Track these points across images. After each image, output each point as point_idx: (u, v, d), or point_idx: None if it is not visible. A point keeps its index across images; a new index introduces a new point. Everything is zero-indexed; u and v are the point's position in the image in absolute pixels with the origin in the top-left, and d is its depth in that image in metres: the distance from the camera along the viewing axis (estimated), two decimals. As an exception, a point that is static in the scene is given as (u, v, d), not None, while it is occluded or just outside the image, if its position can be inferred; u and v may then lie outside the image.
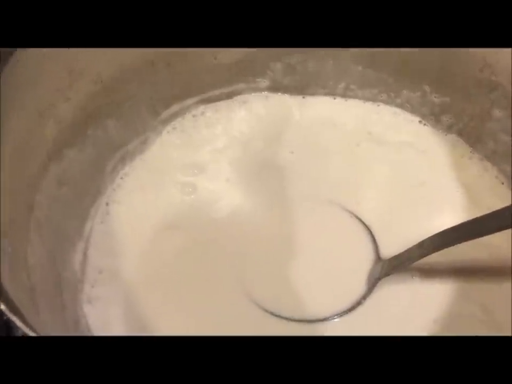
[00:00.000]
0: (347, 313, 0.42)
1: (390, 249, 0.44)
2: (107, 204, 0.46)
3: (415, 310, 0.42)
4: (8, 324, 0.27)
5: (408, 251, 0.41)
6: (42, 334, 0.28)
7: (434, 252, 0.38)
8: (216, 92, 0.53)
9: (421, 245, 0.39)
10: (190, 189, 0.48)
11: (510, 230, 0.34)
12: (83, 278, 0.43)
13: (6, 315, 0.27)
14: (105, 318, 0.41)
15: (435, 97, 0.51)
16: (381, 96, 0.54)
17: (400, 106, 0.53)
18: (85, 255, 0.44)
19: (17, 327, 0.27)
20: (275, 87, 0.54)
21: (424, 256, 0.39)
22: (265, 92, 0.54)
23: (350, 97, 0.55)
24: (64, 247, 0.42)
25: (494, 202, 0.46)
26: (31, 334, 0.26)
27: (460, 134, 0.51)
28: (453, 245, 0.37)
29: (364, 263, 0.44)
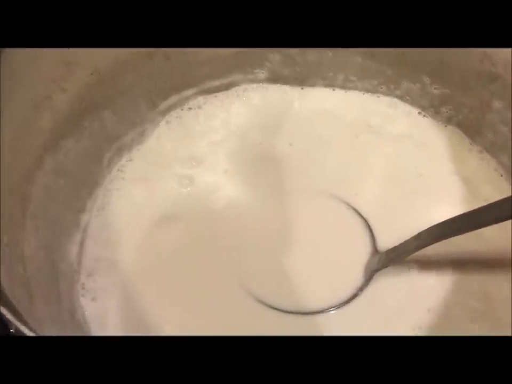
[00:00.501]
0: (344, 305, 0.42)
1: (387, 241, 0.43)
2: (104, 196, 0.46)
3: (412, 302, 0.42)
4: (2, 319, 0.27)
5: (405, 243, 0.40)
6: (37, 327, 0.28)
7: (431, 243, 0.38)
8: (214, 83, 0.52)
9: (418, 236, 0.39)
10: (188, 181, 0.48)
11: (507, 221, 0.34)
12: (80, 268, 0.43)
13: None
14: (101, 309, 0.41)
15: (435, 88, 0.51)
16: (381, 88, 0.53)
17: (400, 97, 0.53)
18: (81, 246, 0.44)
19: (10, 322, 0.27)
20: (274, 78, 0.54)
21: (421, 248, 0.39)
22: (264, 83, 0.54)
23: (350, 88, 0.54)
24: (61, 239, 0.42)
25: (492, 195, 0.46)
26: (24, 329, 0.26)
27: (460, 125, 0.51)
28: (451, 237, 0.37)
29: (361, 255, 0.44)
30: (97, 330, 0.40)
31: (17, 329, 0.26)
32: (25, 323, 0.27)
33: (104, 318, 0.41)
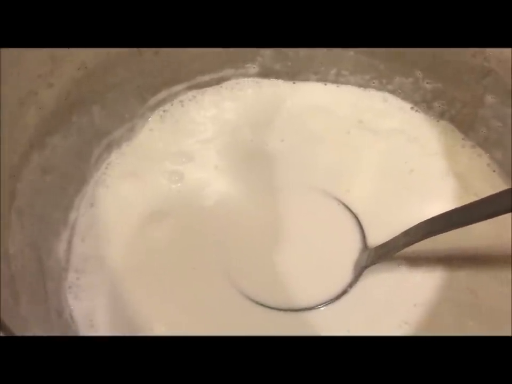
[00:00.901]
0: (333, 301, 0.42)
1: (378, 238, 0.43)
2: (92, 193, 0.46)
3: (400, 298, 0.41)
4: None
5: (394, 240, 0.40)
6: (22, 326, 0.28)
7: (420, 240, 0.38)
8: (205, 78, 0.52)
9: (407, 233, 0.39)
10: (178, 177, 0.48)
11: (497, 217, 0.34)
12: (67, 266, 0.42)
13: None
14: (90, 308, 0.41)
15: (427, 83, 0.50)
16: (373, 82, 0.53)
17: (392, 92, 0.53)
18: (69, 243, 0.43)
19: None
20: (265, 73, 0.53)
21: (410, 245, 0.39)
22: (255, 78, 0.53)
23: (342, 83, 0.54)
24: (48, 236, 0.41)
25: (485, 190, 0.45)
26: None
27: (452, 120, 0.51)
28: (440, 233, 0.37)
29: (351, 251, 0.44)
30: (85, 329, 0.40)
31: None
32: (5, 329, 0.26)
33: (92, 317, 0.40)
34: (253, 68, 0.53)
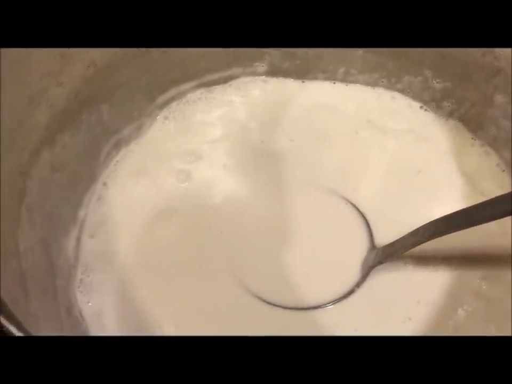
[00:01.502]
0: (340, 300, 0.41)
1: (385, 237, 0.43)
2: (101, 190, 0.46)
3: (406, 295, 0.42)
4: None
5: (402, 239, 0.40)
6: (33, 324, 0.28)
7: (428, 240, 0.38)
8: (213, 76, 0.52)
9: (415, 233, 0.39)
10: (186, 176, 0.48)
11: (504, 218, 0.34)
12: (77, 264, 0.43)
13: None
14: (99, 305, 0.41)
15: (436, 82, 0.50)
16: (382, 81, 0.53)
17: (401, 91, 0.53)
18: (78, 241, 0.43)
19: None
20: (273, 72, 0.53)
21: (418, 245, 0.39)
22: (264, 77, 0.53)
23: (350, 82, 0.54)
24: (58, 233, 0.42)
25: (494, 190, 0.45)
26: (15, 331, 0.26)
27: (461, 120, 0.51)
28: (448, 234, 0.37)
29: (358, 251, 0.44)
30: (94, 326, 0.40)
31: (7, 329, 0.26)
32: (18, 327, 0.26)
33: (101, 314, 0.41)
34: (262, 67, 0.53)
